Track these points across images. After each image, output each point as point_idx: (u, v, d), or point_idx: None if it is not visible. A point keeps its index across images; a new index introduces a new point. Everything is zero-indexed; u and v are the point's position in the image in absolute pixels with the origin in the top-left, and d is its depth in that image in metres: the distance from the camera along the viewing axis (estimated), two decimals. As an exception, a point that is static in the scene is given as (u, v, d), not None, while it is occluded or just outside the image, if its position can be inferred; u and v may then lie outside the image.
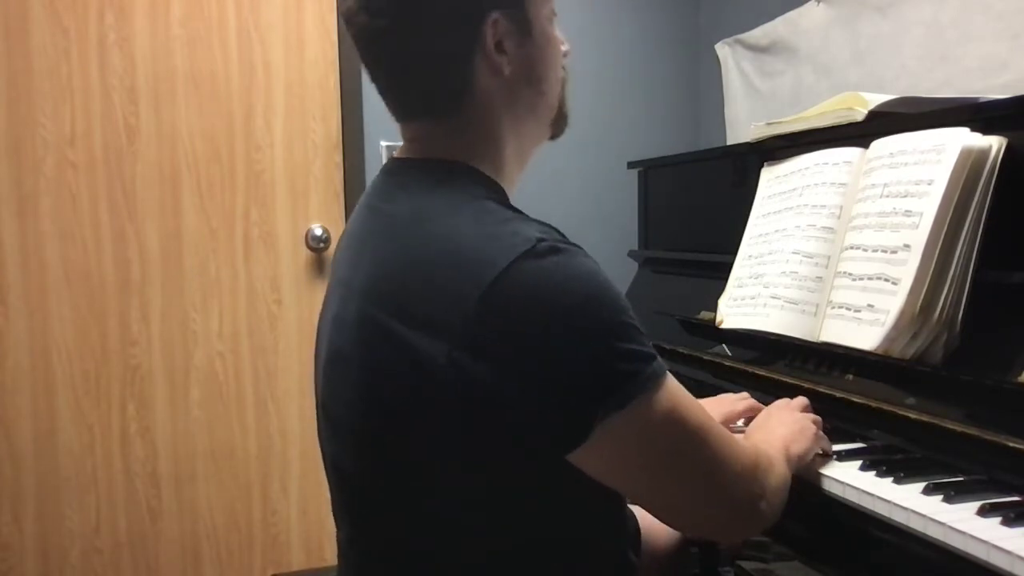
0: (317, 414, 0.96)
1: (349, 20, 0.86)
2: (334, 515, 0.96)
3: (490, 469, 0.79)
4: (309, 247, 2.23)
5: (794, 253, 1.30)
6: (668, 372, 0.79)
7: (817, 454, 1.04)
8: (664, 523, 0.87)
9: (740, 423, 1.24)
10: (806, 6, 2.08)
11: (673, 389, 0.79)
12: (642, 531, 1.21)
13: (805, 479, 1.02)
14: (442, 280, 0.75)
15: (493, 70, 0.86)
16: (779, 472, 0.90)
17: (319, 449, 0.97)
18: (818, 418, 1.07)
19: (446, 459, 0.79)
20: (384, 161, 2.28)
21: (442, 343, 0.74)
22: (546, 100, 0.93)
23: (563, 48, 0.95)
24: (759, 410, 1.16)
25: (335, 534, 1.05)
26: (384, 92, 0.91)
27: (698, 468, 0.81)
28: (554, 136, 0.99)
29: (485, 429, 0.76)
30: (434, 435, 0.78)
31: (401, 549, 0.85)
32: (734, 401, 1.24)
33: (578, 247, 0.79)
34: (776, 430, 1.01)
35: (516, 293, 0.73)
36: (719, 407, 1.21)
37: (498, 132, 0.90)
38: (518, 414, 0.74)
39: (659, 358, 0.78)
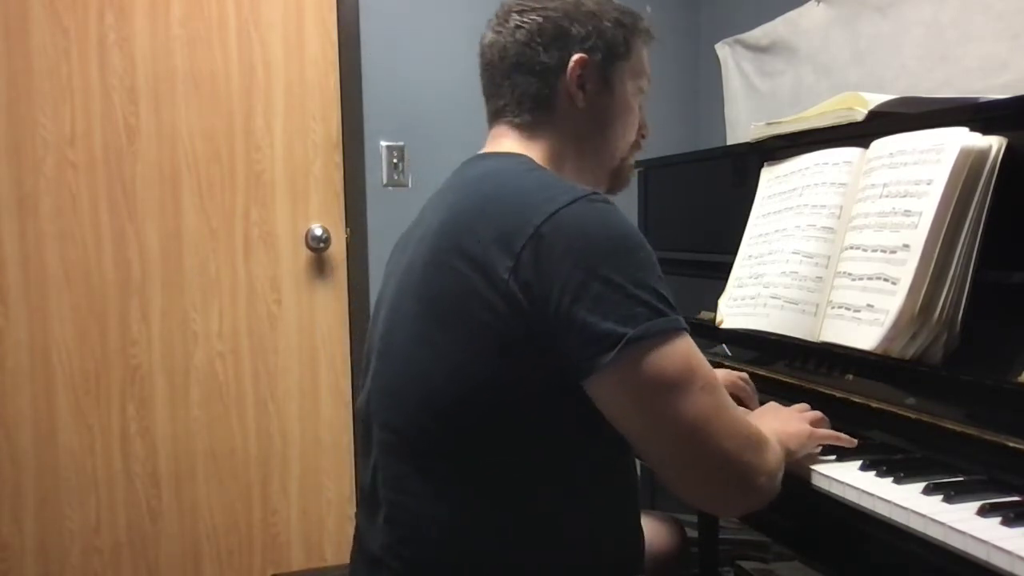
0: (365, 368, 1.06)
1: (482, 41, 1.07)
2: (373, 462, 1.01)
3: (524, 397, 0.87)
4: (309, 247, 2.23)
5: (794, 253, 1.30)
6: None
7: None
8: (665, 481, 0.89)
9: None
10: (806, 6, 2.08)
11: (692, 345, 0.87)
12: (647, 535, 1.23)
13: (805, 479, 1.02)
14: (509, 211, 0.88)
15: (570, 97, 1.03)
16: (777, 453, 0.92)
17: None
18: (814, 422, 1.07)
19: (499, 378, 0.87)
20: (384, 161, 2.29)
21: (504, 258, 0.85)
22: (609, 148, 1.09)
23: (643, 130, 1.13)
24: (739, 386, 1.25)
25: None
26: (487, 94, 1.09)
27: (698, 415, 0.84)
28: (610, 190, 1.12)
29: (526, 342, 0.85)
30: (484, 347, 0.86)
31: (443, 478, 0.92)
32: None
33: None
34: (770, 423, 1.03)
35: (572, 223, 0.85)
36: None
37: (562, 153, 1.05)
38: (556, 327, 0.83)
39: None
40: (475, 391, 0.88)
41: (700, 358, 0.86)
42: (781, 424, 1.04)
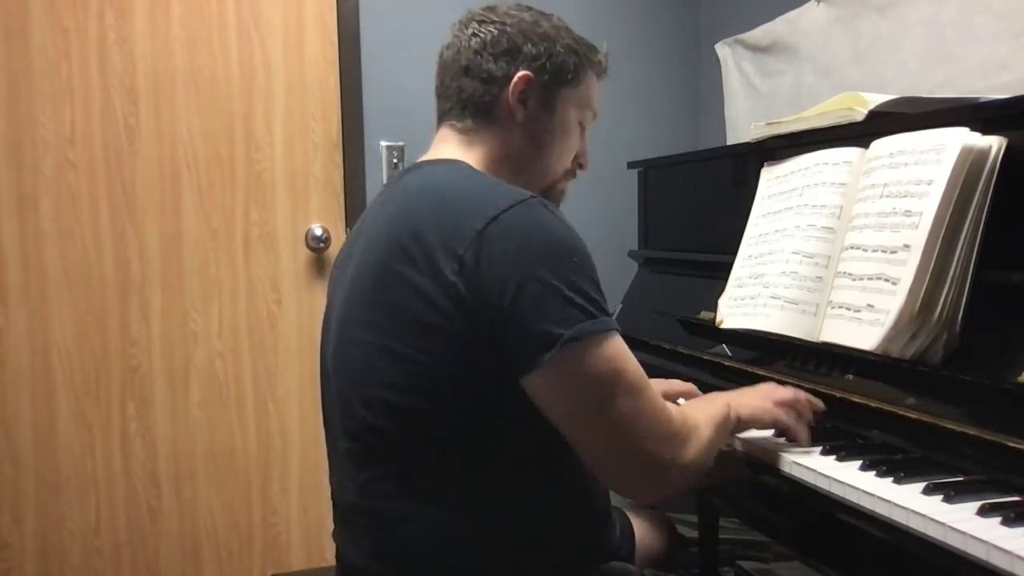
0: (322, 381, 1.07)
1: (443, 44, 1.11)
2: (342, 475, 1.02)
3: (479, 391, 0.91)
4: (309, 247, 2.23)
5: (794, 253, 1.30)
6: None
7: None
8: (588, 467, 0.94)
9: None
10: (806, 6, 2.08)
11: (621, 344, 0.92)
12: (637, 532, 1.24)
13: (806, 479, 1.02)
14: (452, 216, 0.91)
15: (509, 110, 1.06)
16: (700, 440, 0.96)
17: (318, 440, 1.00)
18: (782, 399, 1.10)
19: (452, 376, 0.90)
20: (384, 161, 2.29)
21: (450, 261, 0.88)
22: (543, 167, 1.11)
23: (581, 159, 1.15)
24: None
25: (332, 532, 1.06)
26: (437, 95, 1.12)
27: (623, 417, 0.90)
28: None
29: (474, 341, 0.88)
30: (437, 348, 0.90)
31: (415, 474, 0.95)
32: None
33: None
34: (725, 395, 1.10)
35: (511, 226, 0.89)
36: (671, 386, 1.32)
37: (499, 162, 1.07)
38: (497, 326, 0.87)
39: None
40: (432, 390, 0.92)
41: (628, 358, 0.92)
42: (736, 395, 1.10)
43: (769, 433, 1.14)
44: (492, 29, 1.06)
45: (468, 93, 1.07)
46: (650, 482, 0.95)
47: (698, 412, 1.00)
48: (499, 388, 0.90)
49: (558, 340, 0.86)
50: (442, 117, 1.11)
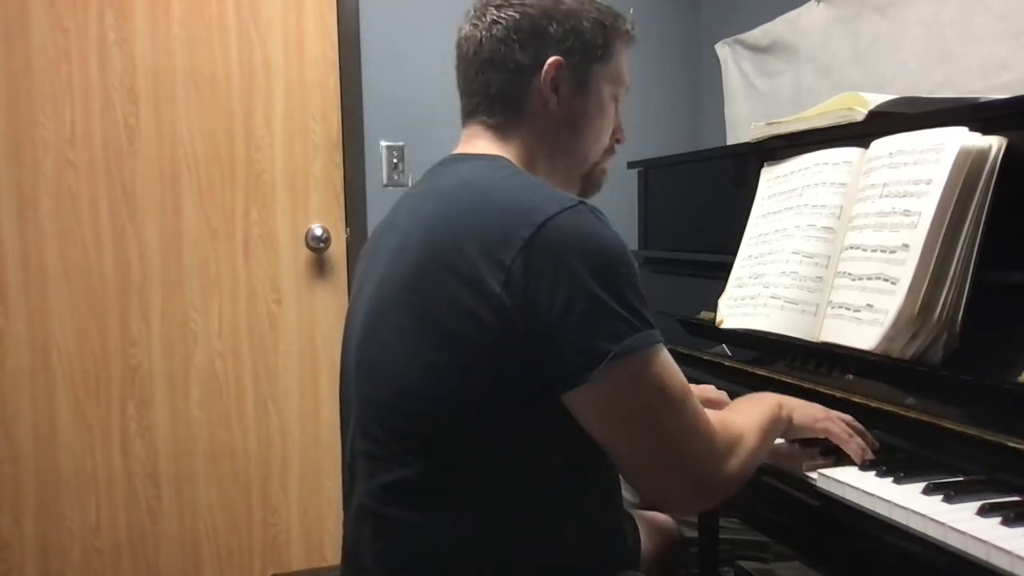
0: (342, 375, 1.04)
1: (459, 34, 1.04)
2: (356, 474, 1.00)
3: (507, 404, 0.87)
4: (309, 247, 2.23)
5: (794, 253, 1.30)
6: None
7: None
8: (627, 481, 0.93)
9: None
10: (806, 6, 2.08)
11: (667, 357, 0.89)
12: (640, 533, 1.24)
13: (806, 479, 1.02)
14: (494, 223, 0.87)
15: (541, 99, 1.01)
16: (745, 451, 0.93)
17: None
18: (839, 422, 1.06)
19: (482, 388, 0.87)
20: (384, 161, 2.29)
21: (496, 271, 0.84)
22: (582, 152, 1.06)
23: (618, 135, 1.11)
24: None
25: (341, 522, 1.04)
26: (461, 91, 1.06)
27: (667, 431, 0.88)
28: (582, 194, 1.09)
29: (514, 353, 0.85)
30: (472, 359, 0.86)
31: (436, 484, 0.92)
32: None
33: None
34: (779, 397, 1.06)
35: (560, 236, 0.85)
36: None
37: (534, 155, 1.03)
38: (542, 340, 0.84)
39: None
40: (458, 401, 0.88)
41: (673, 371, 0.89)
42: (788, 398, 1.07)
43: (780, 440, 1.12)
44: (512, 13, 0.99)
45: (496, 87, 1.01)
46: (693, 498, 0.93)
47: (743, 419, 0.96)
48: (528, 403, 0.87)
49: (606, 355, 0.83)
50: (470, 114, 1.05)
